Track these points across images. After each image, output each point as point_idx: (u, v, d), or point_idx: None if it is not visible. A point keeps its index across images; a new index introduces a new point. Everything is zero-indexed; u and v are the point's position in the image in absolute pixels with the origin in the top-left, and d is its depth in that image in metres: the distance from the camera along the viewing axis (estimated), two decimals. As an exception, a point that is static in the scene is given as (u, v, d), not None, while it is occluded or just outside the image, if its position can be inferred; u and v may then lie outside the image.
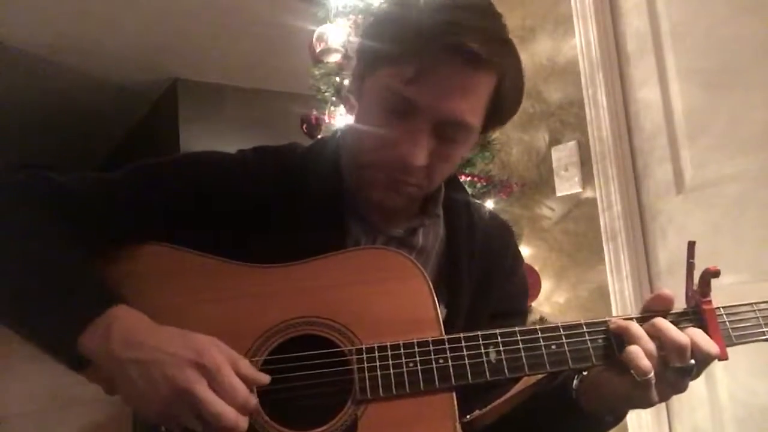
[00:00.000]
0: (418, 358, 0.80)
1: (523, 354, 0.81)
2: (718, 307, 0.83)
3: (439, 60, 0.82)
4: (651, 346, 0.78)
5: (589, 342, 0.82)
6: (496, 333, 0.82)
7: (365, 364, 0.80)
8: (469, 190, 2.07)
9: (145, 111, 5.02)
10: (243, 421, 0.73)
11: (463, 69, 0.83)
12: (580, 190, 2.18)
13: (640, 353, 0.77)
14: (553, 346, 0.81)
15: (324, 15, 2.28)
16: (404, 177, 0.88)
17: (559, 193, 2.24)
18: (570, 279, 2.20)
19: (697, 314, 0.83)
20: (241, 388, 0.73)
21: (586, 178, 2.15)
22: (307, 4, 2.41)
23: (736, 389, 1.78)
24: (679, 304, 0.84)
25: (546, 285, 2.26)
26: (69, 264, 0.80)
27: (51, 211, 0.84)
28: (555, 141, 2.27)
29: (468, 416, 0.88)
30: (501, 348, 0.81)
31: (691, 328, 0.81)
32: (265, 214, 0.92)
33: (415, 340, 0.81)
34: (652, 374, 0.76)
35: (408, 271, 0.86)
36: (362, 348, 0.81)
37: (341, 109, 2.23)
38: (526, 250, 2.29)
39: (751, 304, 0.84)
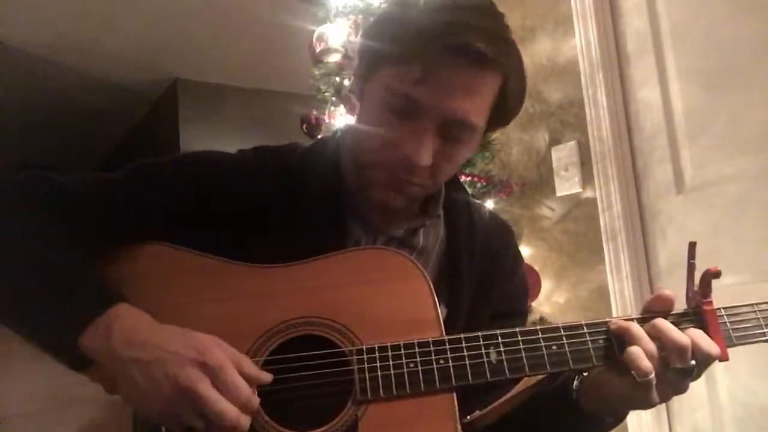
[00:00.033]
0: (418, 359, 0.80)
1: (523, 354, 0.81)
2: (719, 308, 0.83)
3: (445, 60, 0.82)
4: (652, 346, 0.78)
5: (589, 343, 0.82)
6: (496, 333, 0.82)
7: (366, 365, 0.80)
8: (469, 190, 2.07)
9: (145, 111, 5.02)
10: (245, 420, 0.73)
11: (469, 69, 0.83)
12: (580, 190, 2.18)
13: (641, 354, 0.77)
14: (554, 347, 0.81)
15: (324, 15, 2.28)
16: (408, 177, 0.88)
17: (559, 193, 2.24)
18: (570, 279, 2.20)
19: (698, 315, 0.83)
20: (244, 387, 0.73)
21: (586, 178, 2.15)
22: (307, 4, 2.41)
23: (736, 389, 1.78)
24: (680, 305, 0.84)
25: (546, 285, 2.26)
26: (69, 263, 0.80)
27: (51, 211, 0.84)
28: (555, 141, 2.27)
29: (468, 417, 0.88)
30: (502, 348, 0.81)
31: (692, 328, 0.80)
32: (266, 214, 0.92)
33: (415, 341, 0.81)
34: (652, 375, 0.76)
35: (408, 272, 0.85)
36: (363, 348, 0.81)
37: (341, 109, 2.22)
38: (526, 250, 2.29)
39: (751, 304, 0.84)
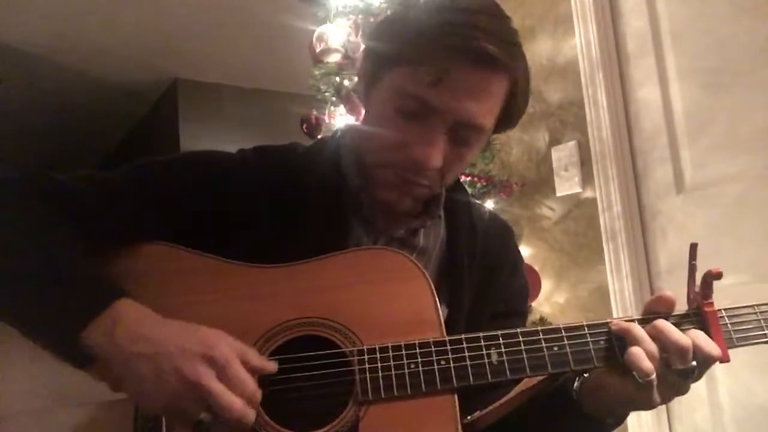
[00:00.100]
0: (419, 359, 0.80)
1: (524, 355, 0.81)
2: (720, 309, 0.83)
3: (459, 63, 0.82)
4: (653, 347, 0.78)
5: (590, 343, 0.82)
6: (497, 334, 0.82)
7: (366, 365, 0.80)
8: (469, 190, 2.07)
9: (145, 111, 5.03)
10: (252, 413, 0.73)
11: (482, 72, 0.83)
12: (580, 190, 2.18)
13: (642, 355, 0.77)
14: (555, 348, 0.81)
15: (324, 15, 2.28)
16: (416, 178, 0.89)
17: (559, 193, 2.24)
18: (570, 279, 2.20)
19: (699, 316, 0.83)
20: (250, 380, 0.73)
21: (586, 178, 2.16)
22: (307, 4, 2.41)
23: (736, 390, 1.78)
24: (680, 306, 0.84)
25: (546, 285, 2.26)
26: (70, 260, 0.79)
27: (51, 209, 0.83)
28: (555, 141, 2.27)
29: (469, 417, 0.88)
30: (503, 349, 0.81)
31: (693, 330, 0.80)
32: (266, 214, 0.91)
33: (416, 341, 0.81)
34: (653, 376, 0.76)
35: (409, 272, 0.85)
36: (363, 349, 0.81)
37: (341, 109, 2.22)
38: (526, 250, 2.29)
39: (752, 306, 0.84)
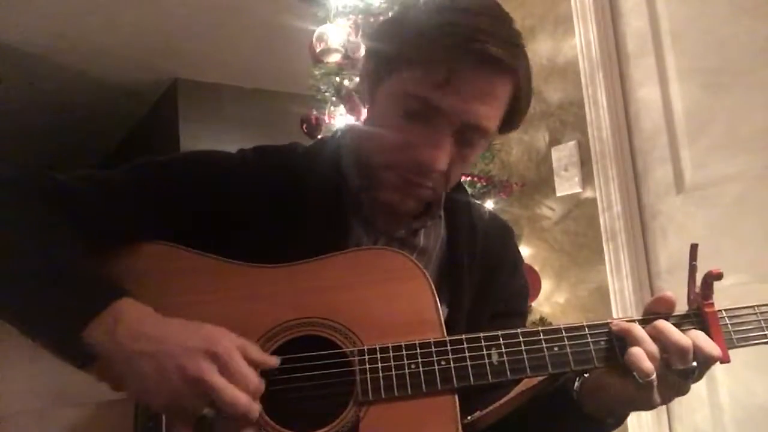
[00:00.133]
0: (420, 360, 0.80)
1: (525, 356, 0.81)
2: (720, 310, 0.83)
3: (466, 66, 0.82)
4: (653, 348, 0.78)
5: (591, 344, 0.81)
6: (498, 334, 0.82)
7: (367, 365, 0.80)
8: (469, 190, 2.06)
9: (145, 111, 5.03)
10: (257, 407, 0.73)
11: (489, 75, 0.84)
12: (580, 190, 2.18)
13: (643, 355, 0.77)
14: (555, 348, 0.81)
15: (324, 15, 2.28)
16: (421, 180, 0.89)
17: (559, 193, 2.24)
18: (570, 279, 2.20)
19: (699, 316, 0.83)
20: (253, 375, 0.73)
21: (586, 178, 2.16)
22: (307, 4, 2.41)
23: (736, 390, 1.78)
24: (681, 306, 0.84)
25: (546, 285, 2.26)
26: (71, 259, 0.79)
27: (51, 209, 0.83)
28: (555, 141, 2.27)
29: (469, 417, 0.88)
30: (503, 349, 0.81)
31: (693, 330, 0.80)
32: (266, 214, 0.91)
33: (416, 341, 0.81)
34: (654, 376, 0.76)
35: (410, 272, 0.85)
36: (364, 349, 0.81)
37: (341, 109, 2.22)
38: (526, 250, 2.29)
39: (752, 306, 0.84)
